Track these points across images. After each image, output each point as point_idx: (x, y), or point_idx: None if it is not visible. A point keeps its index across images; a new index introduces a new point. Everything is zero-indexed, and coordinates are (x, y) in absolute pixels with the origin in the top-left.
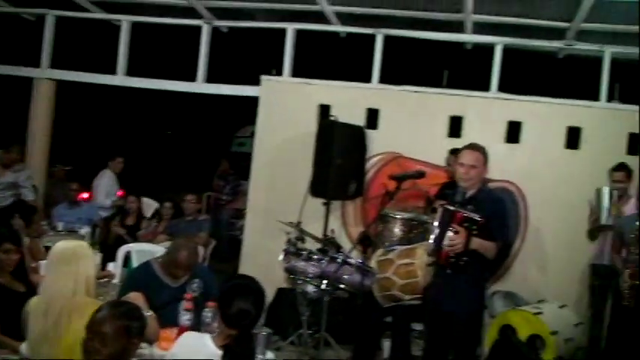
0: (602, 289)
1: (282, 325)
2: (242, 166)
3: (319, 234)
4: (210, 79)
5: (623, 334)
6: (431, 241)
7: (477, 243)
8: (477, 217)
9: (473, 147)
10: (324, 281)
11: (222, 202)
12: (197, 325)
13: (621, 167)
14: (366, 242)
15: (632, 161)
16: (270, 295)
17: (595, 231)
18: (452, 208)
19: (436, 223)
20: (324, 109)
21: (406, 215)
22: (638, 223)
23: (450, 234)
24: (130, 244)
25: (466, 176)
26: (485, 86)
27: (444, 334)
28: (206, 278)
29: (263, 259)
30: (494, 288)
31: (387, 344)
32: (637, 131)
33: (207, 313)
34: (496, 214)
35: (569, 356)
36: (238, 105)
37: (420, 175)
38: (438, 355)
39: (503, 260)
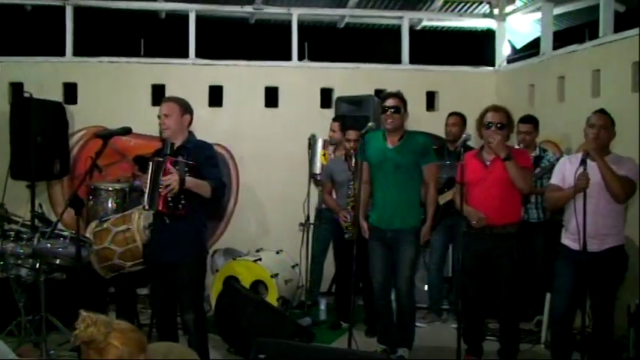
0: (324, 230)
1: None
2: None
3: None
4: None
5: (348, 265)
6: (146, 195)
7: (191, 182)
8: (187, 161)
9: (166, 99)
10: (38, 260)
11: None
12: None
13: (337, 118)
14: (78, 204)
15: (327, 114)
16: None
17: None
18: (161, 159)
19: (148, 177)
20: (17, 87)
21: (117, 186)
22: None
23: (163, 178)
24: None
25: (164, 126)
26: (184, 53)
27: (170, 288)
28: None
29: None
30: (214, 247)
31: (112, 316)
32: (329, 86)
33: None
34: (206, 157)
35: (290, 295)
36: None
37: (126, 131)
38: (167, 312)
39: (221, 202)
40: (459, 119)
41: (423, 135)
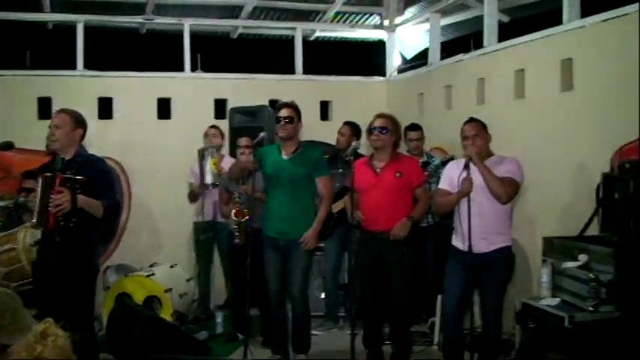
0: (206, 243)
1: None
2: None
3: None
4: None
5: (243, 276)
6: (35, 212)
7: (83, 200)
8: (77, 177)
9: (60, 110)
10: None
11: None
12: None
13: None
14: None
15: (221, 125)
16: None
17: (194, 193)
18: (50, 174)
19: (37, 193)
20: None
21: (2, 203)
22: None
23: (54, 196)
24: None
25: (52, 137)
26: (73, 65)
27: (58, 307)
28: None
29: None
30: (106, 264)
31: None
32: (222, 97)
33: None
34: (99, 174)
35: (185, 309)
36: None
37: (8, 145)
38: None
39: (116, 219)
40: (346, 128)
41: (317, 148)
